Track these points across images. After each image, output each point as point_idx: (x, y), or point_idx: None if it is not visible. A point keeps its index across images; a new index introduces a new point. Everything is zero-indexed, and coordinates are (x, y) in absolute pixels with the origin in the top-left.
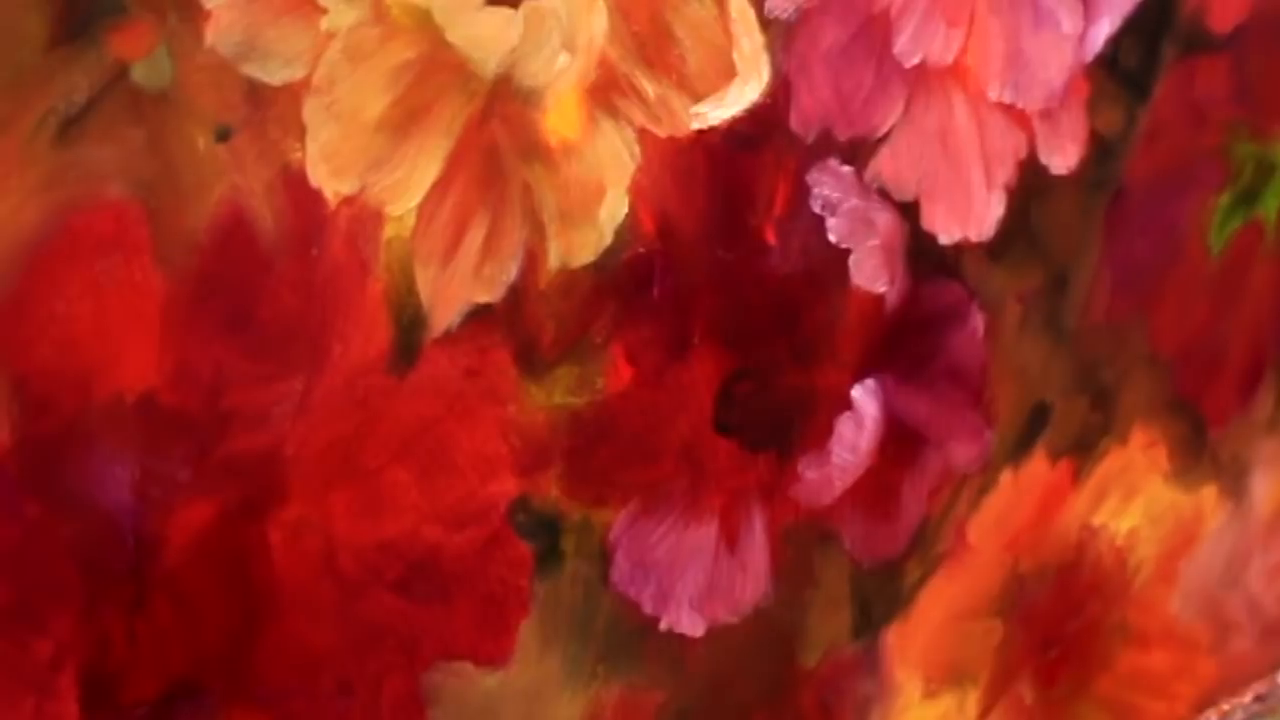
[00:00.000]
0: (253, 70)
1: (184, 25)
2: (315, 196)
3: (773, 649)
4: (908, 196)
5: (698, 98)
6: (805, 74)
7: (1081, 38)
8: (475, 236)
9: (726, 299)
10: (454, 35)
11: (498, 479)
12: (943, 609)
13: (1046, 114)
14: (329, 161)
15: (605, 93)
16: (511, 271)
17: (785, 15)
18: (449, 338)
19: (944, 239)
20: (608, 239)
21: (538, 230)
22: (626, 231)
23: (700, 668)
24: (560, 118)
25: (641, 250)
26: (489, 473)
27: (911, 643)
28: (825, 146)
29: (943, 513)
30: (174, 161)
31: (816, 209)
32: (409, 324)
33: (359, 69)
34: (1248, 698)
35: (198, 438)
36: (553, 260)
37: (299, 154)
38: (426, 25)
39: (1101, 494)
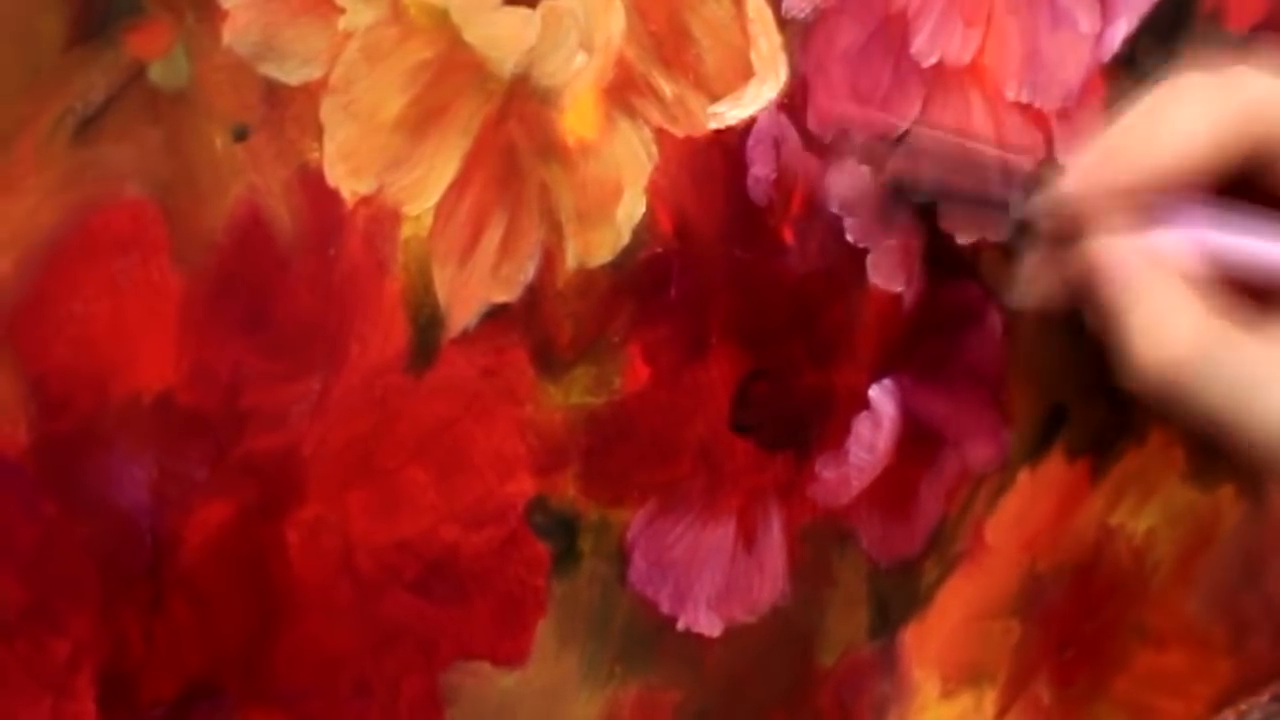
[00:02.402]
0: (270, 70)
1: (201, 25)
2: (333, 196)
3: (790, 648)
4: (926, 197)
5: (715, 97)
6: (823, 74)
7: (1099, 38)
8: (493, 236)
9: (744, 299)
10: (471, 35)
11: (515, 479)
12: (960, 609)
13: (1064, 114)
14: (346, 161)
15: (623, 92)
16: (529, 271)
17: (803, 15)
18: (466, 337)
19: (962, 239)
20: (625, 239)
21: (555, 230)
22: (644, 231)
23: (718, 667)
24: (578, 117)
25: (659, 250)
26: (506, 472)
27: (929, 642)
28: (843, 146)
29: (960, 512)
30: (191, 161)
31: (834, 209)
32: (426, 324)
33: (376, 69)
34: (1265, 697)
35: (215, 437)
36: (570, 260)
37: (316, 154)
38: (444, 25)
39: (1119, 494)
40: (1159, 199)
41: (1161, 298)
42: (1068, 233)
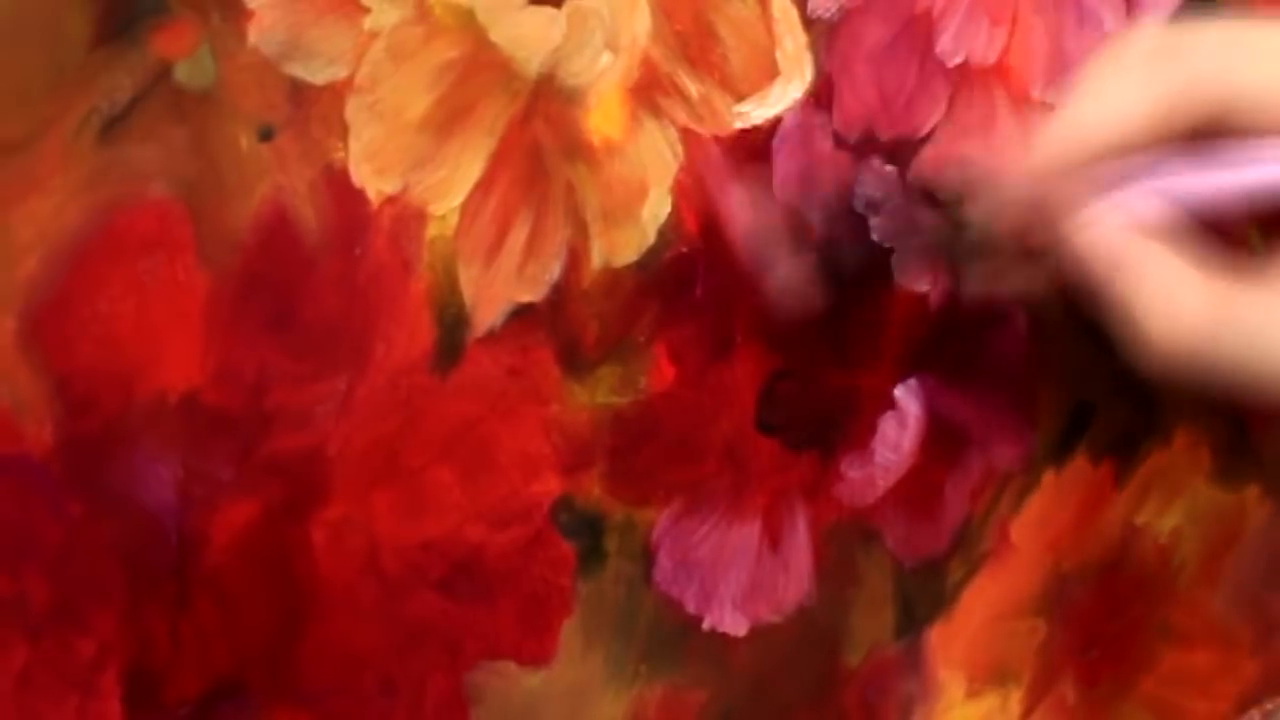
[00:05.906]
0: (296, 70)
1: (227, 25)
2: (358, 196)
3: (815, 648)
4: (951, 196)
5: (740, 97)
6: (848, 74)
7: None
8: (518, 236)
9: (769, 298)
10: (497, 35)
11: (540, 478)
12: (985, 608)
13: None
14: (372, 161)
15: (648, 92)
16: (554, 271)
17: (828, 15)
18: (492, 337)
19: None
20: (650, 238)
21: (580, 229)
22: (669, 231)
23: (743, 667)
24: (603, 117)
25: (684, 250)
26: (532, 472)
27: (954, 642)
28: (868, 146)
29: (985, 512)
30: (217, 161)
31: (860, 208)
32: (452, 323)
33: (402, 68)
34: None
35: (240, 437)
36: (595, 259)
37: (342, 153)
38: (469, 25)
39: (1144, 494)
40: (1108, 171)
41: (1159, 274)
42: (1026, 230)
